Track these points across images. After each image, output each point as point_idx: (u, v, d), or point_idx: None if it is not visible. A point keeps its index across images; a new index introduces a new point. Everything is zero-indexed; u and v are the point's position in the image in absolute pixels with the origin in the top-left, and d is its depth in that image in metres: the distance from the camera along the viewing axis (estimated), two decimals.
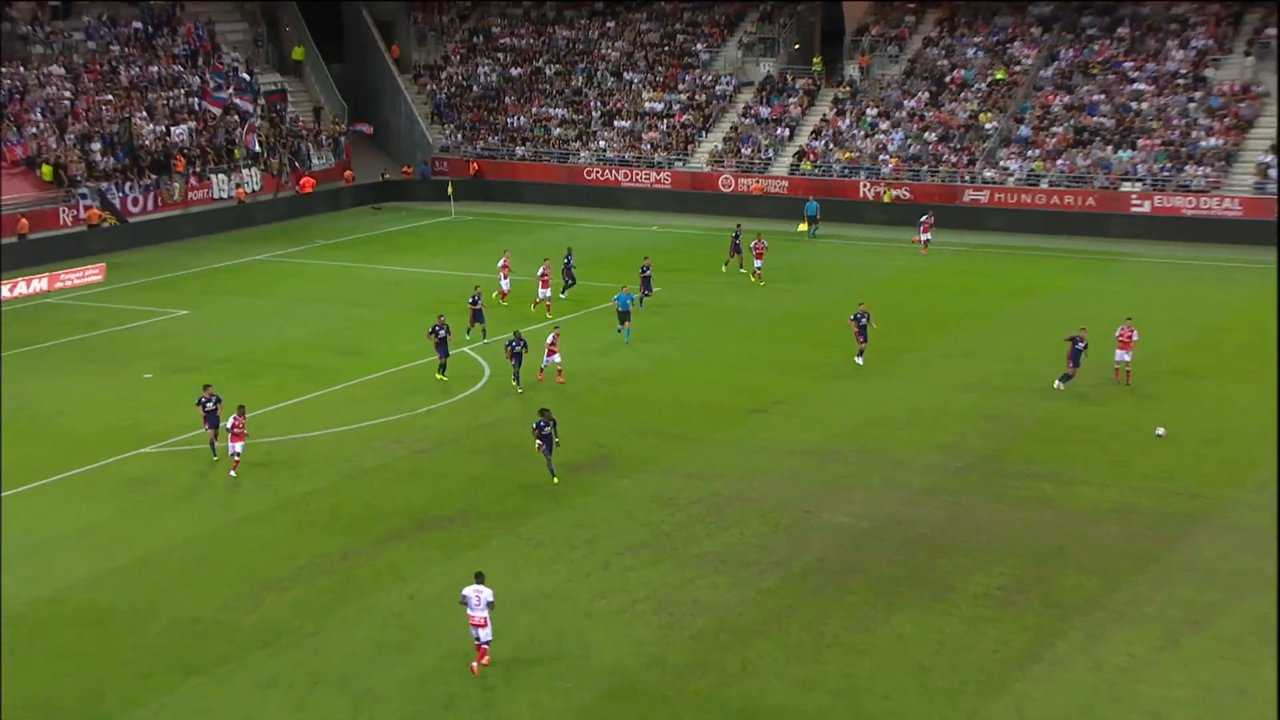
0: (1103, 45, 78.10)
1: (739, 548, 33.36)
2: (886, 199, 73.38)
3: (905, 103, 78.55)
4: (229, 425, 37.89)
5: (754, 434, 41.42)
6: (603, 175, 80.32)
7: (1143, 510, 35.39)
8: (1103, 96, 75.18)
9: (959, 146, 75.06)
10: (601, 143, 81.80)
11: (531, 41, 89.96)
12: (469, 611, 27.37)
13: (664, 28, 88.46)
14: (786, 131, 79.28)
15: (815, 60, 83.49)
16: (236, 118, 78.91)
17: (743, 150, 78.78)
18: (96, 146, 72.46)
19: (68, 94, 74.67)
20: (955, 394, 44.57)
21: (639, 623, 29.74)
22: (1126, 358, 45.07)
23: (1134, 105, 74.33)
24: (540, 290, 54.86)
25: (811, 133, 78.68)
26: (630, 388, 45.65)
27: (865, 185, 74.37)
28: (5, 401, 45.43)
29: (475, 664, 27.38)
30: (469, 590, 27.55)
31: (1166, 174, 70.55)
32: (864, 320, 47.40)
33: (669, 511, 35.52)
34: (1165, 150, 71.50)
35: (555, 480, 36.91)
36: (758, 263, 59.82)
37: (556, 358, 45.60)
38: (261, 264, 66.59)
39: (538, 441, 36.87)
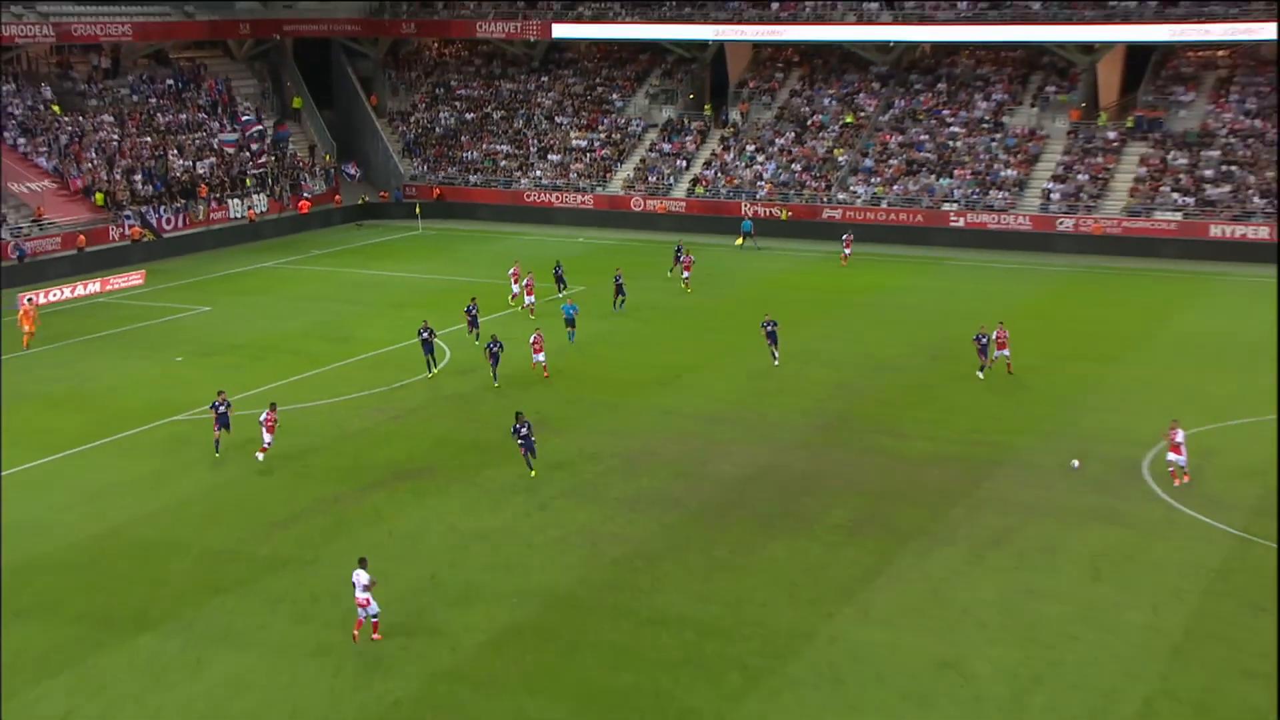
0: (926, 97, 78.65)
1: (648, 491, 33.47)
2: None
3: (776, 140, 78.73)
4: (261, 419, 35.92)
5: (661, 401, 41.50)
6: (539, 198, 79.93)
7: (958, 457, 35.80)
8: (927, 136, 75.74)
9: (819, 175, 75.34)
10: (538, 172, 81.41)
11: (482, 92, 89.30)
12: (356, 594, 25.34)
13: (586, 81, 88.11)
14: (684, 163, 79.25)
15: (706, 107, 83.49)
16: (248, 154, 78.08)
17: (649, 177, 78.67)
18: (138, 177, 71.58)
19: (116, 136, 73.68)
20: (815, 368, 44.81)
21: (570, 551, 29.81)
22: (1006, 353, 42.76)
23: (951, 143, 74.95)
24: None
25: (704, 164, 78.68)
26: (563, 364, 45.45)
27: (746, 205, 74.38)
28: (68, 380, 44.84)
29: (356, 632, 25.37)
30: (353, 576, 25.56)
31: (975, 196, 71.19)
32: (770, 327, 44.63)
33: (593, 463, 35.57)
34: (974, 178, 72.16)
35: (533, 474, 34.07)
36: (685, 274, 58.02)
37: (541, 356, 43.35)
38: (268, 270, 65.86)
39: (517, 441, 34.14)
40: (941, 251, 67.71)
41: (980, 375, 42.83)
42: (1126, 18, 71.32)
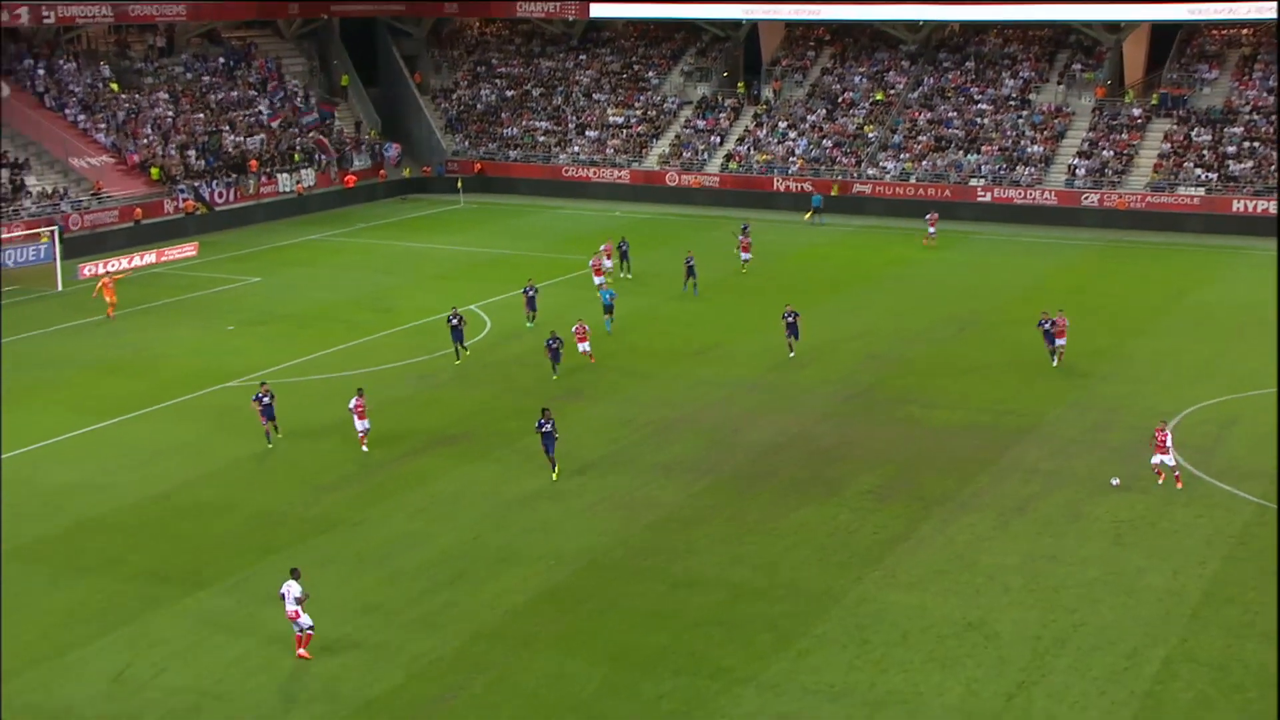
0: (955, 75, 77.88)
1: (682, 458, 33.44)
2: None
3: (808, 117, 78.18)
4: (351, 405, 34.01)
5: (695, 371, 41.40)
6: (577, 173, 79.70)
7: (984, 426, 35.62)
8: (955, 113, 75.03)
9: (849, 151, 74.81)
10: (576, 148, 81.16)
11: (521, 70, 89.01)
12: (285, 607, 23.53)
13: (623, 60, 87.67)
14: (718, 139, 78.81)
15: (740, 85, 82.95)
16: (295, 130, 78.22)
17: (684, 153, 78.30)
18: (192, 153, 71.76)
19: (170, 113, 73.92)
20: (845, 340, 44.57)
21: (606, 515, 29.83)
22: (1062, 343, 40.62)
23: (978, 120, 74.23)
24: (605, 262, 51.08)
25: (737, 140, 78.23)
26: (600, 337, 45.12)
27: (778, 180, 74.01)
28: (125, 348, 45.12)
29: (301, 650, 23.50)
30: (283, 588, 23.67)
31: (1002, 172, 70.56)
32: (790, 318, 42.14)
33: (628, 431, 35.57)
34: (1001, 154, 71.48)
35: (555, 477, 31.86)
36: (745, 255, 55.56)
37: (586, 345, 41.02)
38: (315, 242, 65.99)
39: (540, 434, 31.86)
40: (969, 226, 67.06)
41: (1054, 364, 40.54)
42: None
